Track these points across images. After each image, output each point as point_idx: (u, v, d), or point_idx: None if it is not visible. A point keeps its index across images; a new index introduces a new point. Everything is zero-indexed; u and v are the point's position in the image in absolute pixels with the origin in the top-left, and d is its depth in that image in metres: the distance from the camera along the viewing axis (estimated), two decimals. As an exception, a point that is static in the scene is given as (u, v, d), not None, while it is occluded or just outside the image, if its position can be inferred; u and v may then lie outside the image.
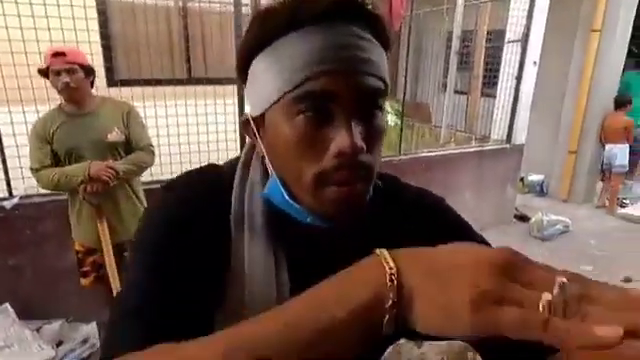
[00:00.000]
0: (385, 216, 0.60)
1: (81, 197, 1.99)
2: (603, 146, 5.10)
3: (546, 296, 0.28)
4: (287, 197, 0.51)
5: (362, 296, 0.32)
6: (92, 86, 2.06)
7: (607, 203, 5.16)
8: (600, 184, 5.41)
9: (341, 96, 0.46)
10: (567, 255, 4.01)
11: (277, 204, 0.53)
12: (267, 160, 0.53)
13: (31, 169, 2.00)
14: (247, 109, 2.56)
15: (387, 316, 0.31)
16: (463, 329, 0.29)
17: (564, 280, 0.29)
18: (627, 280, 3.53)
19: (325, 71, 0.45)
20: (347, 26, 0.46)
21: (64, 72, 1.89)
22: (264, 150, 0.53)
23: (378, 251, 0.35)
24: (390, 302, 0.31)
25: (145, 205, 2.25)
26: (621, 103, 4.91)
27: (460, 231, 0.63)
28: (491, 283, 0.29)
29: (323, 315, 0.32)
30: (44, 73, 1.92)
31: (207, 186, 0.56)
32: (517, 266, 0.31)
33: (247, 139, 0.59)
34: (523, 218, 4.76)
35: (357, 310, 0.32)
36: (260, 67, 0.49)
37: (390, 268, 0.32)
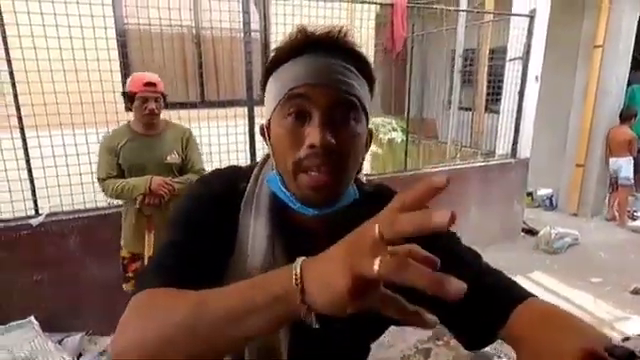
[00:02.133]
0: (368, 213, 0.70)
1: (137, 206, 2.18)
2: (607, 159, 5.12)
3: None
4: (280, 185, 0.65)
5: (275, 291, 0.43)
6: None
7: (617, 215, 5.15)
8: (611, 198, 5.39)
9: (317, 102, 0.60)
10: (576, 268, 4.01)
11: (275, 192, 0.67)
12: (272, 157, 0.67)
13: (98, 178, 2.22)
14: (257, 124, 2.68)
15: (303, 307, 0.42)
16: (341, 296, 0.39)
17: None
18: (637, 292, 3.53)
19: (308, 83, 0.60)
20: (329, 57, 0.62)
21: (152, 100, 2.13)
22: (270, 149, 0.67)
23: (300, 260, 0.45)
24: (299, 298, 0.41)
25: None
26: (626, 116, 4.96)
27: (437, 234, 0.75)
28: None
29: (249, 297, 0.45)
30: (130, 97, 2.16)
31: (227, 179, 0.72)
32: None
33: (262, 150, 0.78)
34: (531, 232, 4.78)
35: (269, 299, 0.43)
36: (270, 85, 0.66)
37: (295, 274, 0.42)
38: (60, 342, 2.64)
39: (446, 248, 0.69)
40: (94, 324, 2.76)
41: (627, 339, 0.45)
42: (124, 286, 2.34)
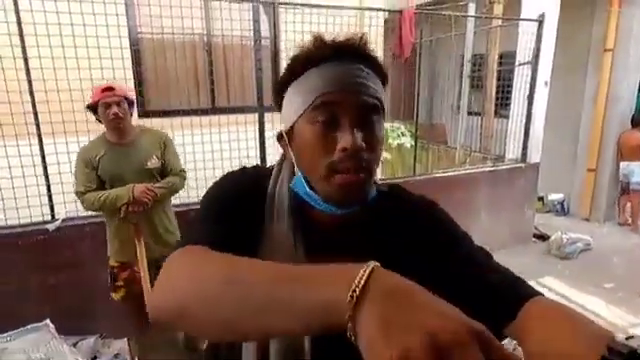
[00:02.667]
0: (387, 214, 0.76)
1: (122, 216, 2.18)
2: (618, 164, 5.07)
3: None
4: (307, 188, 0.68)
5: (320, 295, 0.38)
6: (131, 117, 2.28)
7: (629, 220, 5.09)
8: (622, 202, 5.33)
9: (346, 108, 0.64)
10: (588, 273, 3.97)
11: (300, 194, 0.70)
12: (294, 161, 0.71)
13: (76, 192, 2.21)
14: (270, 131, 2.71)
15: (347, 321, 0.35)
16: None
17: None
18: (649, 297, 3.48)
19: (335, 91, 0.64)
20: (352, 63, 0.66)
21: (114, 104, 2.13)
22: (292, 154, 0.71)
23: (371, 265, 0.38)
24: (347, 314, 0.35)
25: (175, 225, 2.44)
26: (638, 121, 4.91)
27: (446, 226, 0.77)
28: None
29: (287, 288, 0.40)
30: (93, 108, 2.16)
31: (253, 176, 0.77)
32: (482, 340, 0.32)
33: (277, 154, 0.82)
34: (543, 237, 4.74)
35: (310, 302, 0.38)
36: (291, 93, 0.69)
37: (356, 286, 0.35)
38: (75, 345, 2.68)
39: (458, 245, 0.74)
40: (108, 327, 2.80)
41: (631, 337, 0.46)
42: (113, 295, 2.36)
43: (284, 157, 0.77)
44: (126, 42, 3.02)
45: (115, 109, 2.13)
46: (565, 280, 3.86)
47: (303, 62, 0.67)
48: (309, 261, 0.67)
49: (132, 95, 2.28)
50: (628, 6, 4.75)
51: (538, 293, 0.67)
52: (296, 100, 0.67)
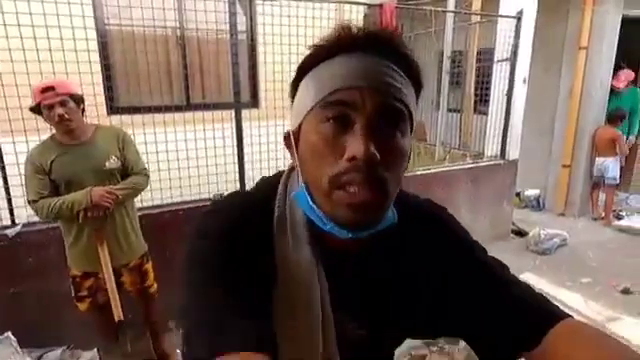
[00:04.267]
0: (413, 235, 0.66)
1: (80, 222, 2.01)
2: (593, 159, 5.18)
3: None
4: (311, 203, 0.56)
5: None
6: (83, 114, 2.10)
7: (603, 215, 5.21)
8: (594, 196, 5.45)
9: (363, 107, 0.52)
10: (565, 268, 4.02)
11: (303, 210, 0.59)
12: (298, 168, 0.59)
13: (29, 201, 2.02)
14: (249, 131, 2.57)
15: None
16: None
17: None
18: (625, 291, 3.54)
19: (352, 86, 0.52)
20: (378, 57, 0.54)
21: (57, 105, 1.92)
22: (297, 160, 0.59)
23: None
24: None
25: (139, 229, 2.30)
26: (613, 119, 5.01)
27: (462, 242, 0.70)
28: None
29: None
30: (36, 110, 1.96)
31: (249, 204, 0.63)
32: None
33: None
34: (520, 233, 4.79)
35: None
36: (303, 85, 0.58)
37: None
38: (40, 358, 2.53)
39: (473, 255, 0.68)
40: (76, 338, 2.64)
41: None
42: (79, 305, 2.19)
43: (293, 167, 0.65)
44: (92, 34, 2.84)
45: (59, 110, 1.92)
46: (543, 276, 3.89)
47: (323, 50, 0.56)
48: (333, 298, 0.59)
49: (78, 89, 2.06)
50: (601, 4, 4.82)
51: (564, 314, 0.60)
52: (308, 93, 0.56)
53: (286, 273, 0.58)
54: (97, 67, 2.77)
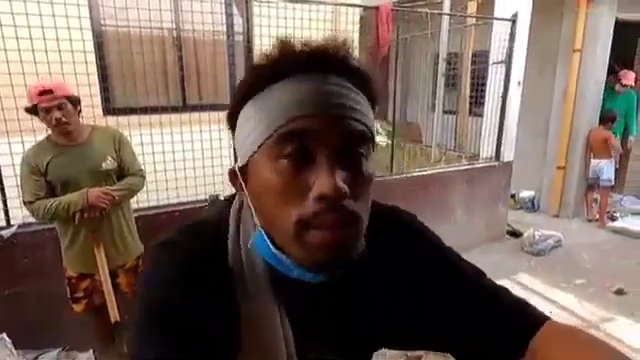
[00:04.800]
0: (373, 250, 0.59)
1: (76, 223, 2.01)
2: (588, 161, 5.22)
3: None
4: (273, 249, 0.50)
5: None
6: (79, 115, 2.09)
7: (597, 217, 5.25)
8: (588, 198, 5.49)
9: (323, 137, 0.46)
10: (559, 269, 4.05)
11: (264, 257, 0.52)
12: (253, 211, 0.52)
13: (25, 202, 2.01)
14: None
15: None
16: None
17: None
18: (619, 292, 3.57)
19: (307, 114, 0.46)
20: (329, 76, 0.49)
21: (54, 109, 1.92)
22: (249, 201, 0.53)
23: None
24: None
25: (135, 231, 2.30)
26: (606, 120, 5.06)
27: (436, 251, 0.67)
28: None
29: None
30: (32, 111, 1.95)
31: (203, 239, 0.56)
32: None
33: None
34: (515, 234, 4.82)
35: None
36: (245, 116, 0.51)
37: None
38: (35, 359, 2.51)
39: (447, 264, 0.65)
40: (71, 339, 2.63)
41: None
42: (75, 307, 2.19)
43: (241, 204, 0.57)
44: (88, 34, 2.84)
45: (57, 114, 1.91)
46: (538, 277, 3.92)
47: (265, 73, 0.49)
48: (296, 338, 0.55)
49: (74, 91, 2.06)
50: (595, 7, 4.87)
51: (544, 316, 0.61)
52: (255, 126, 0.49)
53: (248, 321, 0.53)
54: (93, 68, 2.76)
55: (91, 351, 2.61)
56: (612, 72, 5.35)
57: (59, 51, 2.49)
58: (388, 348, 0.69)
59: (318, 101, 0.47)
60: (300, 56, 0.49)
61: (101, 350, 2.50)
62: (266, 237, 0.51)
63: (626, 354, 0.50)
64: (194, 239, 0.56)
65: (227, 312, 0.52)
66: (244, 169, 0.53)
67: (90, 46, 2.84)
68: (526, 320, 0.60)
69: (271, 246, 0.50)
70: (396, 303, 0.62)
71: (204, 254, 0.53)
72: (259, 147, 0.49)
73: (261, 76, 0.50)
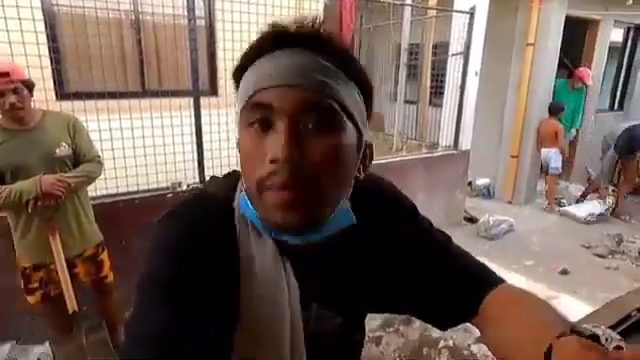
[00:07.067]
0: (368, 230, 0.66)
1: (30, 212, 1.93)
2: (539, 150, 5.51)
3: None
4: (252, 207, 0.55)
5: None
6: (32, 99, 2.01)
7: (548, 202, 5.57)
8: (544, 186, 5.80)
9: (281, 107, 0.50)
10: (511, 252, 4.29)
11: (250, 219, 0.57)
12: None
13: None
14: (205, 122, 2.54)
15: None
16: None
17: None
18: (564, 272, 3.84)
19: (272, 85, 0.51)
20: (308, 52, 0.52)
21: (9, 93, 1.84)
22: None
23: None
24: None
25: (92, 218, 2.24)
26: (554, 110, 5.34)
27: (414, 220, 0.74)
28: None
29: None
30: None
31: (206, 208, 0.59)
32: None
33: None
34: (472, 220, 5.04)
35: None
36: (239, 89, 0.57)
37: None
38: (-14, 353, 2.42)
39: (419, 229, 0.73)
40: (26, 332, 2.54)
41: (597, 326, 0.48)
42: (29, 298, 2.11)
43: None
44: (39, 14, 2.70)
45: (12, 98, 1.83)
46: (492, 259, 4.12)
47: (254, 48, 0.55)
48: (301, 288, 0.59)
49: (27, 75, 1.97)
50: (547, 2, 5.10)
51: (498, 279, 0.67)
52: (238, 96, 0.57)
53: (251, 272, 0.56)
54: (45, 49, 2.63)
55: (47, 343, 2.53)
56: (563, 66, 5.64)
57: (7, 31, 2.35)
58: (375, 312, 0.74)
59: (282, 73, 0.51)
60: (281, 34, 0.53)
61: (58, 342, 2.43)
62: (247, 199, 0.56)
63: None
64: (198, 207, 0.59)
65: (230, 282, 0.55)
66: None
67: (41, 26, 2.69)
68: (481, 280, 0.67)
69: (252, 209, 0.55)
70: (377, 269, 0.67)
71: (209, 221, 0.57)
72: (239, 115, 0.55)
73: (251, 50, 0.55)
